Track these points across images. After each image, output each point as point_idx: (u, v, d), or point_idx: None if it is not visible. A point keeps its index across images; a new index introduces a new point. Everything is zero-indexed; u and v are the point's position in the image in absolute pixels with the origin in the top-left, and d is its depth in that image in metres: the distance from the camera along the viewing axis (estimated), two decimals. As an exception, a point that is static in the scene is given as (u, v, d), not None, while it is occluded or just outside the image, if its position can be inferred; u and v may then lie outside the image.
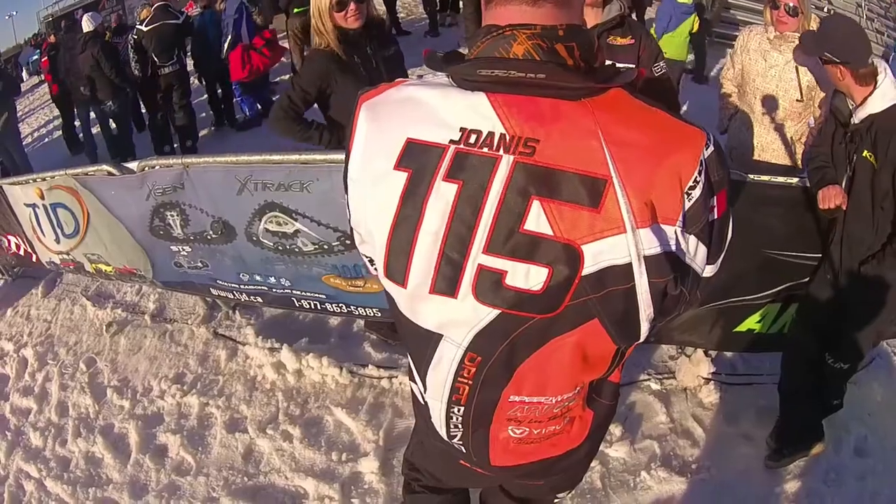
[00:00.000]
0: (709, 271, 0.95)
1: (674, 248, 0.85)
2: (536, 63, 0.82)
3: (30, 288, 4.42)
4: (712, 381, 2.73)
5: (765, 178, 2.16)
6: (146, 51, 6.02)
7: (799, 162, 2.86)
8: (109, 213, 2.98)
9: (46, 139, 9.09)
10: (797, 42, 2.64)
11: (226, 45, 6.44)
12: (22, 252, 3.95)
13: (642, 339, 0.95)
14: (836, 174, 2.06)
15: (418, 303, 0.94)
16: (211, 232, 2.73)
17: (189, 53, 6.87)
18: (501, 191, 0.83)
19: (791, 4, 2.61)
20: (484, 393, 0.99)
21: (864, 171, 1.97)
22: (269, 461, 2.68)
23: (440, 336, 0.96)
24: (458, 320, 0.92)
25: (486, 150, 0.84)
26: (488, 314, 0.89)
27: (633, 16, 5.70)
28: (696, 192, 0.84)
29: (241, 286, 3.01)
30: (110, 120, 6.61)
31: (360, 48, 2.38)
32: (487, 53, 0.85)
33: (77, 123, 7.15)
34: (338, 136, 2.46)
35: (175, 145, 6.43)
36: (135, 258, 3.22)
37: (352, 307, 2.79)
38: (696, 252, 0.89)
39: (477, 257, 0.86)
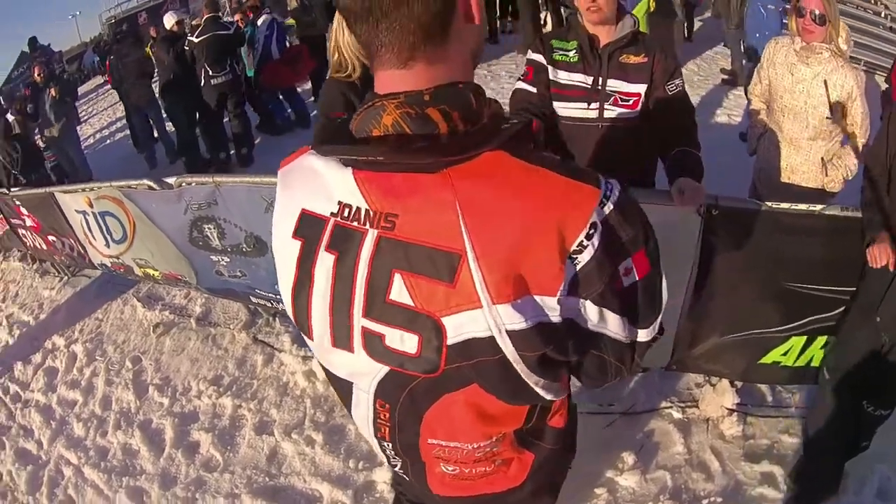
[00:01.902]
0: (643, 335, 0.90)
1: (554, 318, 0.82)
2: (376, 143, 0.81)
3: (83, 287, 4.66)
4: (736, 413, 2.64)
5: (784, 205, 2.07)
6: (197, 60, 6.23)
7: (827, 185, 2.65)
8: (153, 224, 3.13)
9: (108, 140, 9.53)
10: (825, 53, 2.44)
11: (256, 60, 6.78)
12: (76, 253, 4.16)
13: (549, 400, 0.94)
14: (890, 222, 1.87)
15: (326, 354, 0.97)
16: (245, 245, 2.85)
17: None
18: (368, 262, 0.85)
19: (817, 12, 2.37)
20: (402, 434, 1.01)
21: None
22: (291, 464, 2.78)
23: (351, 383, 0.99)
24: (360, 371, 0.94)
25: (355, 223, 0.85)
26: (381, 369, 0.91)
27: None
28: (585, 256, 0.79)
29: (277, 296, 3.12)
30: (168, 123, 6.87)
31: None
32: (361, 126, 0.84)
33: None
34: None
35: (231, 152, 6.59)
36: (179, 265, 3.36)
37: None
38: (600, 319, 0.85)
39: (359, 320, 0.88)
